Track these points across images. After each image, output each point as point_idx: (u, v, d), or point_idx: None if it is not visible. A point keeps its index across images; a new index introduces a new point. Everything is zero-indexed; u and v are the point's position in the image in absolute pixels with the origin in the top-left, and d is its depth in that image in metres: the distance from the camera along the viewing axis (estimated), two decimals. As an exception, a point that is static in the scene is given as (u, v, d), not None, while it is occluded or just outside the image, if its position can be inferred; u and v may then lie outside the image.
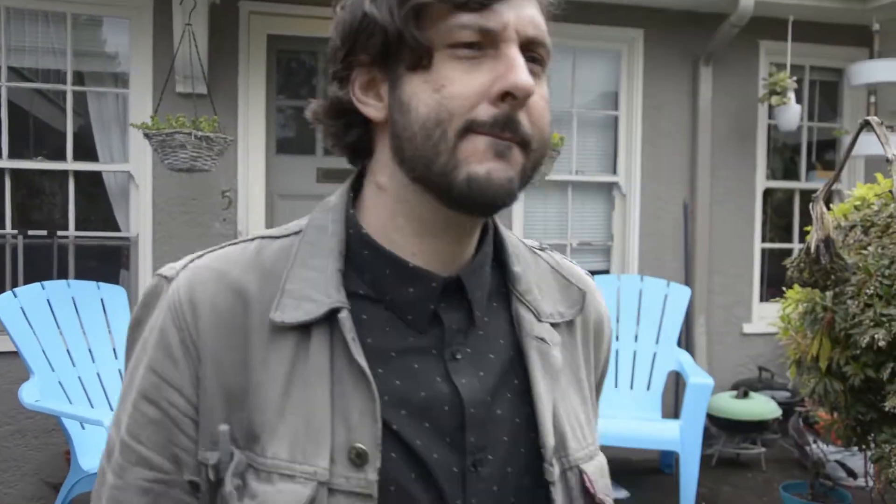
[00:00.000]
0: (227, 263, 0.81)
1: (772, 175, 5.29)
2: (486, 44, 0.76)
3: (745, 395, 4.52)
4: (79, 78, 4.29)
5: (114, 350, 3.66)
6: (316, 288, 0.78)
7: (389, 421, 0.76)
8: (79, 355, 3.52)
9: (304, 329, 0.77)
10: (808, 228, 2.65)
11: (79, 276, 4.16)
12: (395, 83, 0.78)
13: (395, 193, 0.81)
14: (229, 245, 0.84)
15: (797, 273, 2.44)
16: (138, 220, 4.25)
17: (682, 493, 3.75)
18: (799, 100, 4.83)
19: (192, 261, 0.82)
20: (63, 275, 4.19)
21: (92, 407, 3.43)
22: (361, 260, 0.81)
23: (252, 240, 0.84)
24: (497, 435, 0.80)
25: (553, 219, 4.97)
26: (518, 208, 4.74)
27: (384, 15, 0.75)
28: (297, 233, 0.84)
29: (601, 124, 5.03)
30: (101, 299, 3.72)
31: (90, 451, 3.17)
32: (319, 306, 0.77)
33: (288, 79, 4.59)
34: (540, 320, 0.85)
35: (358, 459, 0.74)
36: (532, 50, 0.79)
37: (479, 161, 0.75)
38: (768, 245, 5.27)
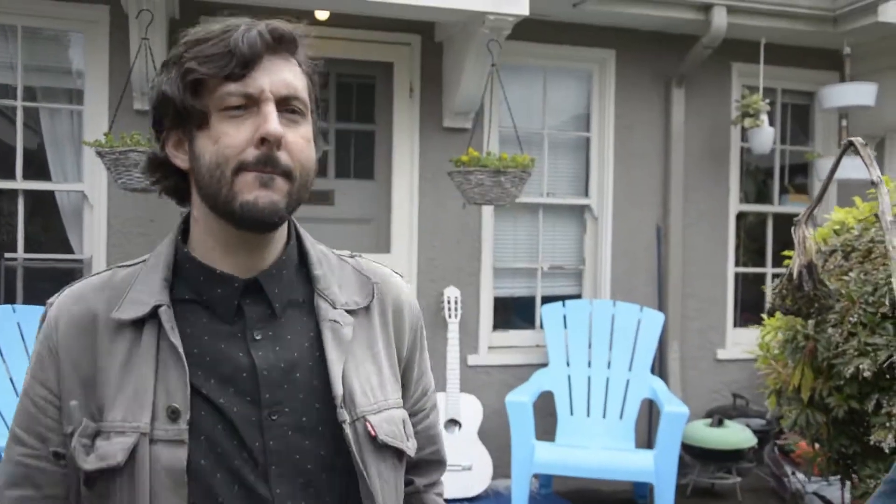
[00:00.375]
0: (86, 286, 1.07)
1: (745, 198, 5.23)
2: (249, 104, 1.01)
3: (720, 423, 4.41)
4: (31, 94, 4.11)
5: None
6: (148, 294, 1.03)
7: (200, 387, 1.01)
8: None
9: (138, 324, 1.02)
10: (788, 253, 2.55)
11: (28, 301, 3.96)
12: (190, 140, 1.03)
13: (203, 222, 1.07)
14: (96, 274, 1.10)
15: (780, 300, 2.33)
16: (92, 241, 4.06)
17: (658, 526, 3.63)
18: (772, 122, 4.78)
19: (66, 288, 1.09)
20: (11, 299, 3.98)
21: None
22: (186, 273, 1.07)
23: (111, 269, 1.11)
24: (294, 393, 1.04)
25: (523, 242, 4.86)
26: (487, 231, 4.62)
27: (173, 91, 1.01)
28: (143, 261, 1.10)
29: (573, 146, 4.94)
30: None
31: None
32: (147, 306, 1.02)
33: (251, 96, 4.45)
34: (335, 308, 1.10)
35: (173, 415, 0.98)
36: (288, 104, 1.03)
37: (249, 191, 1.00)
38: (742, 269, 5.20)
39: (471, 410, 4.31)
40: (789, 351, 2.68)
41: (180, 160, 1.06)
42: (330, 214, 4.48)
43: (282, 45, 1.05)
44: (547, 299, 4.75)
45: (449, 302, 4.38)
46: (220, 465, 1.00)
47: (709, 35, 4.45)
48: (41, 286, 4.11)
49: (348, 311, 1.11)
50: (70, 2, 4.00)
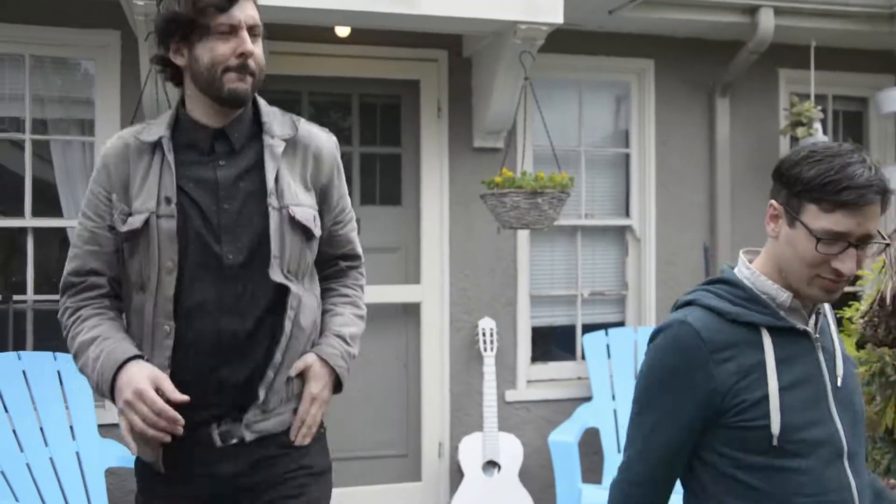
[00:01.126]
0: (125, 131, 1.81)
1: (796, 214, 4.88)
2: (231, 29, 1.67)
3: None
4: (40, 126, 3.91)
5: (70, 429, 3.21)
6: (157, 131, 1.74)
7: (183, 186, 1.71)
8: (28, 438, 3.07)
9: (153, 147, 1.73)
10: (864, 273, 2.24)
11: (38, 346, 3.73)
12: (191, 47, 1.70)
13: (195, 98, 1.75)
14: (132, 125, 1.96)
15: (871, 330, 2.01)
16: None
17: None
18: (824, 131, 4.45)
19: (116, 133, 1.85)
20: (20, 344, 3.76)
21: (42, 502, 2.98)
22: (182, 125, 1.76)
23: (142, 124, 1.83)
24: (239, 193, 1.71)
25: (561, 267, 4.56)
26: (523, 257, 4.33)
27: (188, 11, 1.65)
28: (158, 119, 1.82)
29: (611, 163, 4.64)
30: (58, 371, 3.29)
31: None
32: (157, 135, 1.73)
33: (269, 122, 4.22)
34: (273, 137, 1.76)
35: (167, 201, 1.68)
36: (252, 30, 1.70)
37: (232, 83, 1.68)
38: (796, 289, 4.84)
39: (510, 451, 4.00)
40: (877, 386, 2.35)
41: (180, 59, 1.72)
42: (355, 244, 4.21)
43: None
44: (588, 328, 4.43)
45: (484, 334, 4.09)
46: (194, 231, 1.68)
47: (755, 39, 4.14)
48: (52, 330, 3.88)
49: (283, 140, 1.76)
50: (79, 28, 3.81)
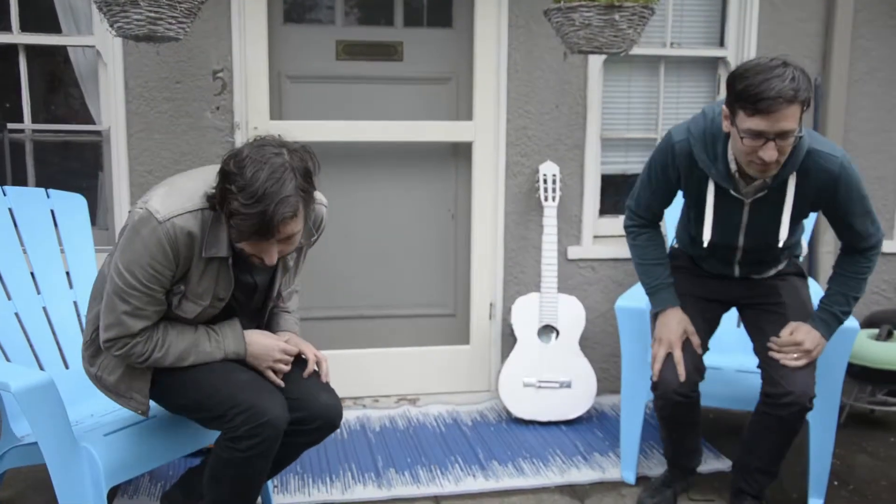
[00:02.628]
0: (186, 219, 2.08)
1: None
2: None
3: (889, 335, 3.48)
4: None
5: (67, 275, 2.82)
6: (216, 247, 2.03)
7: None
8: (18, 286, 2.69)
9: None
10: None
11: (41, 182, 3.32)
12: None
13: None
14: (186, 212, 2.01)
15: None
16: (109, 109, 3.34)
17: (813, 467, 2.80)
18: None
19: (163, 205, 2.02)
20: (21, 179, 3.35)
21: (36, 356, 2.62)
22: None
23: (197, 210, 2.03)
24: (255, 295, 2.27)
25: (639, 106, 3.89)
26: (594, 92, 3.66)
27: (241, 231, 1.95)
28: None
29: (706, -20, 3.87)
30: (52, 211, 2.85)
31: (21, 415, 2.37)
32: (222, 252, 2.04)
33: (297, -77, 3.56)
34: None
35: (218, 299, 2.10)
36: (290, 239, 2.05)
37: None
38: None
39: (571, 315, 3.51)
40: None
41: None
42: (397, 72, 3.61)
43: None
44: (667, 178, 3.81)
45: (545, 181, 3.51)
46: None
47: None
48: (55, 163, 3.46)
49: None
50: None
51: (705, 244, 2.46)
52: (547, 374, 3.46)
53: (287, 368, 2.21)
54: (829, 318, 2.52)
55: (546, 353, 3.46)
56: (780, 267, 2.69)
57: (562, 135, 3.66)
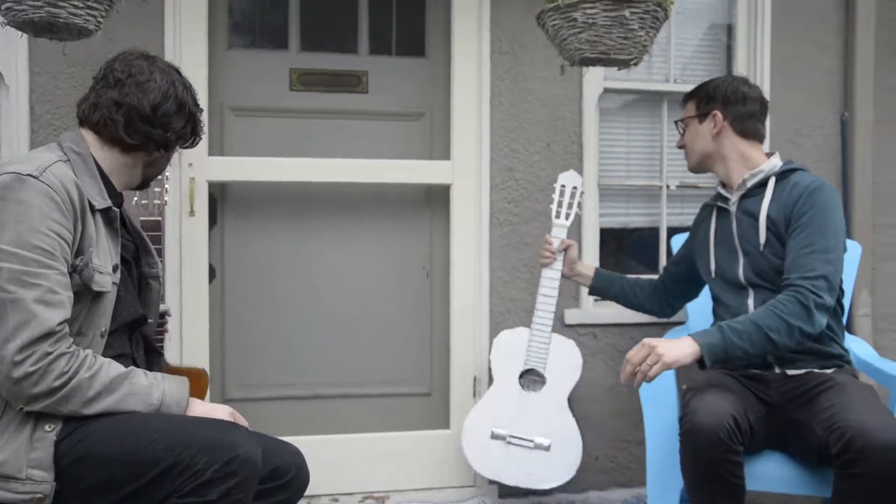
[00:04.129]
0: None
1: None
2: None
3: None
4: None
5: None
6: (102, 197, 1.77)
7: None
8: None
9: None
10: None
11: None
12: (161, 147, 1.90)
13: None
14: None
15: None
16: (11, 141, 2.77)
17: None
18: None
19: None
20: None
21: None
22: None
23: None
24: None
25: (639, 151, 3.40)
26: (590, 128, 3.17)
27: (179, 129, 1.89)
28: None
29: (708, 7, 3.45)
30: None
31: None
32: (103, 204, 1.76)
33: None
34: None
35: (115, 269, 1.75)
36: None
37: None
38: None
39: (564, 362, 2.85)
40: None
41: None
42: (361, 105, 3.09)
43: None
44: (675, 231, 3.28)
45: (562, 194, 2.90)
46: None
47: None
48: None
49: None
50: None
51: (713, 274, 2.48)
52: (521, 430, 2.79)
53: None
54: (714, 329, 2.12)
55: (525, 402, 2.80)
56: (826, 365, 2.33)
57: (554, 178, 3.13)
